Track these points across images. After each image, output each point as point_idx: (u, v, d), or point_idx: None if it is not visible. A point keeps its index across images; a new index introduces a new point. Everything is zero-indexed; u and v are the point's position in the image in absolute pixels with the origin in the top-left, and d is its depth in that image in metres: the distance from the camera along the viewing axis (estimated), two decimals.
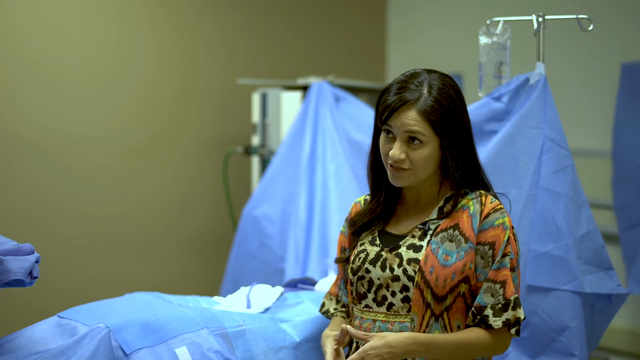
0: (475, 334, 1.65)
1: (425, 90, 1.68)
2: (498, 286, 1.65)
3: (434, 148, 1.69)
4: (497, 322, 1.64)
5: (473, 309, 1.66)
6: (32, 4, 3.25)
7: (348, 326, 1.64)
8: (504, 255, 1.65)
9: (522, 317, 1.65)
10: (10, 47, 3.21)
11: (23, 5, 3.23)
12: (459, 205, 1.72)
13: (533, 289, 2.08)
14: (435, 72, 1.73)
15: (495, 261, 1.65)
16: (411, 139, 1.68)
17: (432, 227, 1.72)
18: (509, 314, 1.64)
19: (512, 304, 1.64)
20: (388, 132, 1.72)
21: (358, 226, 1.83)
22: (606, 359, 3.50)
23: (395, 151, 1.69)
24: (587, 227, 2.09)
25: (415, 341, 1.59)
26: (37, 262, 1.67)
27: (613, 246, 3.31)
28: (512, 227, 1.70)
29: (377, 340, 1.58)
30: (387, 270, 1.70)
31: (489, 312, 1.64)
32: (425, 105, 1.67)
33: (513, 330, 1.66)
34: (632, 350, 3.52)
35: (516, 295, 1.65)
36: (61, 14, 3.34)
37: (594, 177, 3.54)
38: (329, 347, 1.70)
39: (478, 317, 1.65)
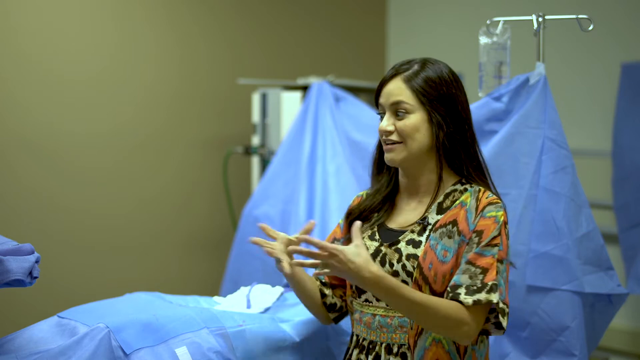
0: (446, 303, 1.59)
1: (416, 66, 1.74)
2: (479, 271, 1.61)
3: (421, 119, 1.70)
4: (467, 300, 1.58)
5: (448, 287, 1.62)
6: (32, 4, 3.25)
7: (358, 223, 1.58)
8: (491, 245, 1.62)
9: (495, 301, 1.59)
10: (10, 47, 3.21)
11: (23, 6, 3.23)
12: (457, 201, 1.71)
13: (533, 289, 2.08)
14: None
15: (480, 246, 1.62)
16: (398, 112, 1.72)
17: (431, 222, 1.71)
18: (481, 295, 1.59)
19: (487, 288, 1.59)
20: (383, 113, 1.77)
21: (355, 216, 1.83)
22: (606, 359, 3.50)
23: (383, 123, 1.74)
24: (587, 227, 2.09)
25: (378, 283, 1.55)
26: (37, 262, 1.67)
27: (613, 246, 3.31)
28: (506, 224, 1.67)
29: (352, 255, 1.54)
30: (387, 265, 1.70)
31: (462, 290, 1.60)
32: (411, 74, 1.72)
33: (505, 323, 1.61)
34: (632, 350, 3.52)
35: (495, 282, 1.60)
36: (61, 14, 3.34)
37: (594, 177, 3.54)
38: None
39: (450, 294, 1.61)
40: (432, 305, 1.57)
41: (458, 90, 1.74)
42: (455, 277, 1.63)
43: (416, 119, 1.70)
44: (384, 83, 1.75)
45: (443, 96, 1.71)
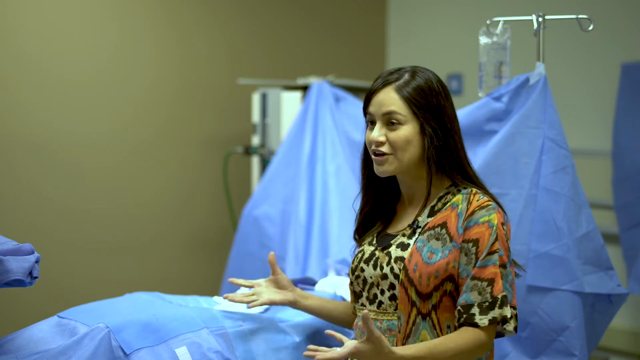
0: (465, 337, 1.60)
1: (406, 75, 1.72)
2: (485, 284, 1.61)
3: (413, 131, 1.69)
4: (483, 321, 1.60)
5: (459, 307, 1.63)
6: (32, 4, 3.25)
7: (366, 312, 1.52)
8: (491, 253, 1.62)
9: (509, 315, 1.61)
10: (10, 47, 3.21)
11: (23, 5, 3.23)
12: (448, 203, 1.71)
13: (533, 289, 2.08)
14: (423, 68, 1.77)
15: (480, 259, 1.62)
16: (390, 122, 1.70)
17: (422, 225, 1.72)
18: (495, 312, 1.61)
19: (499, 302, 1.61)
20: (371, 122, 1.75)
21: (359, 230, 1.86)
22: (606, 359, 3.50)
23: (374, 133, 1.71)
24: (587, 227, 2.09)
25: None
26: (37, 262, 1.67)
27: (613, 246, 3.31)
28: (502, 224, 1.67)
29: (373, 353, 1.51)
30: (378, 268, 1.71)
31: (475, 310, 1.61)
32: (403, 83, 1.70)
33: (511, 327, 1.63)
34: (632, 350, 3.52)
35: (504, 293, 1.61)
36: (61, 14, 3.34)
37: (594, 177, 3.54)
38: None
39: (464, 315, 1.62)
40: (456, 350, 1.58)
41: (446, 102, 1.73)
42: (463, 296, 1.63)
43: (408, 130, 1.69)
44: (373, 92, 1.73)
45: (432, 107, 1.70)
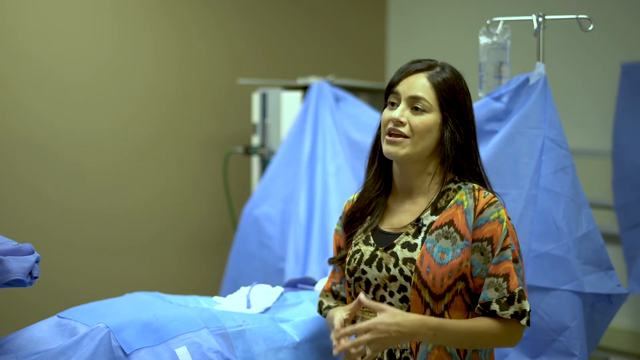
0: (486, 322, 1.64)
1: (438, 67, 1.74)
2: (501, 280, 1.63)
3: (435, 122, 1.70)
4: (506, 315, 1.63)
5: (479, 305, 1.65)
6: (32, 4, 3.25)
7: (362, 295, 1.61)
8: (504, 249, 1.64)
9: (528, 309, 1.64)
10: (10, 47, 3.21)
11: (23, 5, 3.23)
12: (452, 201, 1.70)
13: (533, 289, 2.08)
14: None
15: (495, 255, 1.64)
16: (415, 108, 1.70)
17: (426, 223, 1.70)
18: (515, 307, 1.63)
19: (517, 297, 1.63)
20: (392, 103, 1.74)
21: (350, 221, 1.82)
22: (606, 359, 3.50)
23: (397, 112, 1.70)
24: (587, 227, 2.09)
25: (424, 324, 1.58)
26: (37, 262, 1.67)
27: (613, 246, 3.31)
28: (509, 219, 1.68)
29: (388, 317, 1.56)
30: (384, 270, 1.69)
31: (495, 306, 1.63)
32: (436, 75, 1.72)
33: (524, 321, 1.64)
34: (632, 350, 3.52)
35: (520, 288, 1.64)
36: (61, 14, 3.34)
37: (594, 177, 3.54)
38: (338, 316, 1.66)
39: (486, 312, 1.65)
40: (477, 331, 1.62)
41: (470, 104, 1.75)
42: (482, 295, 1.65)
43: (431, 119, 1.70)
44: (406, 74, 1.73)
45: (459, 105, 1.72)
